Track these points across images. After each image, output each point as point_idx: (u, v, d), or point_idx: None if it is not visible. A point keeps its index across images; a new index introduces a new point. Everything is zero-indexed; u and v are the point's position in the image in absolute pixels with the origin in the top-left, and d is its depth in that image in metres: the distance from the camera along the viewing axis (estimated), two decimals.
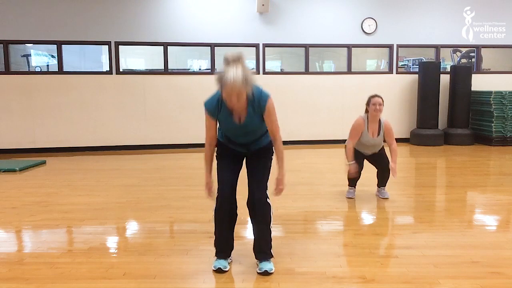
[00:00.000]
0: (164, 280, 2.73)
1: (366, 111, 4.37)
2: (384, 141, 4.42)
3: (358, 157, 4.47)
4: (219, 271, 2.79)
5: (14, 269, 2.91)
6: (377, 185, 4.69)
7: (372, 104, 4.24)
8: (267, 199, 2.81)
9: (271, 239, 2.86)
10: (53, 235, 3.64)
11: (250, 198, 2.80)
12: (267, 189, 2.82)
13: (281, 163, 2.77)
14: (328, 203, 4.45)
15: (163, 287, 2.64)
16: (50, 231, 3.72)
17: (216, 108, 2.66)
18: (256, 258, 2.87)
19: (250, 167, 2.86)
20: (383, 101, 4.26)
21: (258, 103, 2.61)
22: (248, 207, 2.83)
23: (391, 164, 4.32)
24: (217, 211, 2.84)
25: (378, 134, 4.34)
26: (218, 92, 2.59)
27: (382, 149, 4.52)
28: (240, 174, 2.91)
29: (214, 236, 2.91)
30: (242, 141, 2.79)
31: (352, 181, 4.64)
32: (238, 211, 2.92)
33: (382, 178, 4.61)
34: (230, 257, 2.94)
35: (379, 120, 4.34)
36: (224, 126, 2.75)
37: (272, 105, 2.64)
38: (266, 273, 2.73)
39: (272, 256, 2.85)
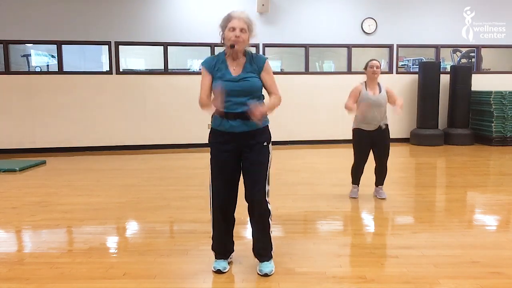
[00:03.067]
0: (164, 280, 2.73)
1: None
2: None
3: (364, 145, 4.45)
4: (218, 272, 2.79)
5: (14, 269, 2.91)
6: (375, 183, 4.70)
7: (370, 67, 4.36)
8: (267, 204, 2.74)
9: (271, 243, 2.84)
10: (53, 235, 3.64)
11: (249, 203, 2.75)
12: (265, 190, 2.72)
13: (270, 105, 2.70)
14: (328, 203, 4.45)
15: (163, 287, 2.64)
16: (50, 231, 3.72)
17: (213, 61, 2.71)
18: (255, 257, 2.88)
19: (246, 166, 2.72)
20: (380, 65, 4.38)
21: (256, 60, 2.71)
22: (248, 210, 2.80)
23: (397, 102, 4.30)
24: (214, 218, 2.82)
25: (380, 92, 4.39)
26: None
27: (388, 138, 4.47)
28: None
29: (212, 240, 2.90)
30: (236, 108, 2.61)
31: (356, 178, 4.65)
32: (238, 210, 2.90)
33: (380, 174, 4.60)
34: (230, 258, 2.93)
35: (378, 83, 4.43)
36: (218, 85, 2.63)
37: (269, 65, 2.75)
38: (266, 275, 2.73)
39: (271, 257, 2.84)
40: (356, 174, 4.65)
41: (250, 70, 2.68)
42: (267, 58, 2.78)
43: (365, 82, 4.45)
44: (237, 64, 2.69)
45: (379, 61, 4.42)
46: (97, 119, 8.30)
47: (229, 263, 2.90)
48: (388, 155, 4.55)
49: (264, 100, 2.75)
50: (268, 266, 2.77)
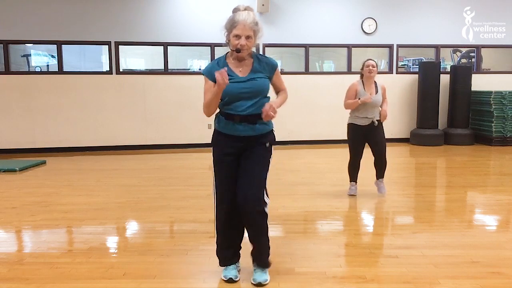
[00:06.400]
0: (164, 280, 2.73)
1: (361, 76, 4.59)
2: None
3: (358, 140, 4.55)
4: (230, 281, 2.67)
5: (14, 269, 2.91)
6: (376, 176, 4.73)
7: (366, 67, 4.48)
8: (264, 207, 2.60)
9: (268, 247, 2.70)
10: (53, 235, 3.64)
11: (244, 204, 2.56)
12: (264, 190, 2.60)
13: (282, 99, 2.71)
14: (328, 203, 4.45)
15: (163, 287, 2.64)
16: (50, 231, 3.72)
17: (213, 67, 2.58)
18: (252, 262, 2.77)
19: (245, 165, 2.61)
20: (377, 65, 4.50)
21: (267, 63, 2.66)
22: (243, 212, 2.61)
23: (381, 109, 4.49)
24: (219, 222, 2.72)
25: (376, 93, 4.50)
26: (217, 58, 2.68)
27: (382, 132, 4.57)
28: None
29: (216, 245, 2.78)
30: (243, 110, 2.54)
31: (353, 175, 4.70)
32: None
33: (380, 167, 4.66)
34: (238, 265, 2.81)
35: (375, 82, 4.55)
36: (227, 87, 2.47)
37: (278, 68, 2.73)
38: (260, 285, 2.62)
39: (268, 266, 2.72)
40: (353, 170, 4.70)
41: (259, 70, 2.62)
42: (277, 64, 2.74)
43: (362, 81, 4.53)
44: (243, 65, 2.62)
45: (375, 60, 4.52)
46: (97, 119, 8.29)
47: (238, 271, 2.77)
48: (385, 148, 4.62)
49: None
50: (262, 276, 2.65)
